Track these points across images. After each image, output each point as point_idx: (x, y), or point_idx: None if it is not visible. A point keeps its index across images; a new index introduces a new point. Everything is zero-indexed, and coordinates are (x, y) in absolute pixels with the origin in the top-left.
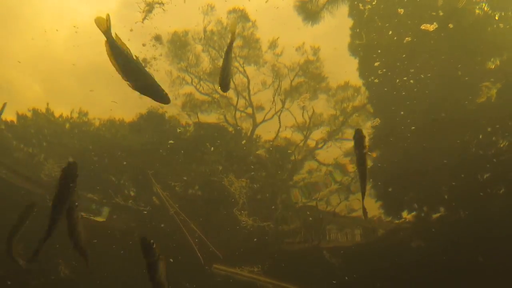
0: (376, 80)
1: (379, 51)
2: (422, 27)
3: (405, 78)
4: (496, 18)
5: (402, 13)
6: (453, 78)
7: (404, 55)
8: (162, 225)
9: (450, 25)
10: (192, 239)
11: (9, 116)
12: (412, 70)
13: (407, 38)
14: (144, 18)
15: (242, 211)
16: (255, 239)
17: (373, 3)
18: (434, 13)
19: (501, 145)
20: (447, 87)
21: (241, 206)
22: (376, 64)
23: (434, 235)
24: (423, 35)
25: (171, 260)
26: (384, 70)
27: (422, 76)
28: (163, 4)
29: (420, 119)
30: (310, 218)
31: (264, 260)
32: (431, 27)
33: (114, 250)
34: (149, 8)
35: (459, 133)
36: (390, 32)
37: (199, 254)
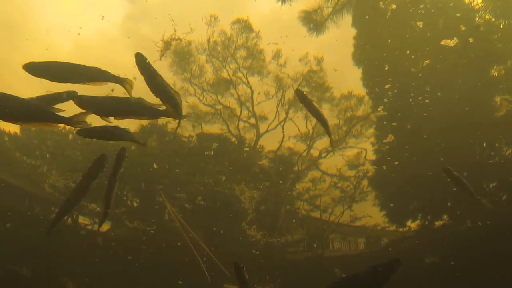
0: (386, 100)
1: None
2: (442, 42)
3: (420, 98)
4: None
5: (421, 26)
6: (472, 93)
7: (420, 74)
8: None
9: (471, 40)
10: (200, 257)
11: (13, 127)
12: (428, 89)
13: (426, 61)
14: (162, 55)
15: (250, 226)
16: (258, 252)
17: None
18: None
19: (506, 153)
20: (465, 103)
21: (250, 220)
22: (387, 86)
23: (447, 249)
24: (441, 51)
25: (180, 282)
26: (396, 91)
27: (439, 94)
28: (180, 40)
29: (434, 135)
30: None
31: (276, 277)
32: (451, 42)
33: (118, 268)
34: (167, 46)
35: (467, 144)
36: (408, 52)
37: (206, 273)
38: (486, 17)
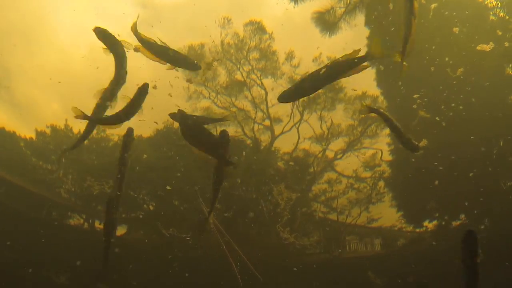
0: (415, 106)
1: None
2: (479, 47)
3: (453, 105)
4: None
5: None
6: (491, 91)
7: (454, 82)
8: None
9: (506, 44)
10: (234, 261)
11: (28, 133)
12: (462, 96)
13: (459, 70)
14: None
15: (284, 228)
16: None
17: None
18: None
19: None
20: (485, 101)
21: (285, 222)
22: (416, 96)
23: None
24: (476, 57)
25: None
26: (426, 99)
27: (473, 100)
28: (221, 60)
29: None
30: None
31: (311, 281)
32: (487, 47)
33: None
34: (208, 67)
35: (484, 142)
36: (447, 59)
37: (238, 277)
38: (501, 14)
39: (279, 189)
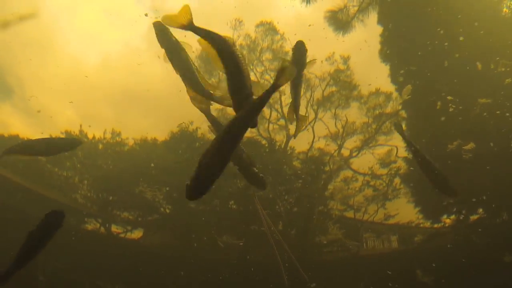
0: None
1: None
2: None
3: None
4: None
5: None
6: None
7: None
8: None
9: None
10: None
11: None
12: (500, 101)
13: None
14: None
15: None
16: None
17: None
18: None
19: None
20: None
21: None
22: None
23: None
24: None
25: None
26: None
27: (508, 104)
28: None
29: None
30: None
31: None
32: None
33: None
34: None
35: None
36: (492, 66)
37: (285, 277)
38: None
39: (340, 186)
